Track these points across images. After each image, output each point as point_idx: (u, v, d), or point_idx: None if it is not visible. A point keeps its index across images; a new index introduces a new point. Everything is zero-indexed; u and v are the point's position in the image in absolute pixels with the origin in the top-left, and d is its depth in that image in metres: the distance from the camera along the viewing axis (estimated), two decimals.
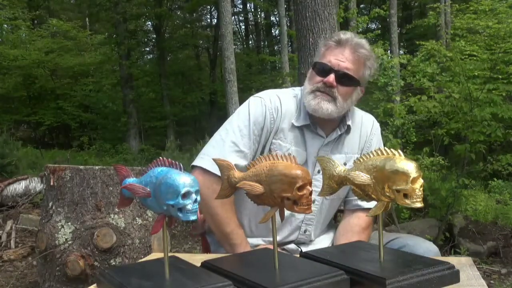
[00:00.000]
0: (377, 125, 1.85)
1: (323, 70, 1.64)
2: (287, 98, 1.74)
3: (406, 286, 1.04)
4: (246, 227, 1.75)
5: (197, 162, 1.69)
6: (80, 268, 2.81)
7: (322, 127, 1.71)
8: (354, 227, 1.73)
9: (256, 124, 1.68)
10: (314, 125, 1.70)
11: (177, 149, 9.85)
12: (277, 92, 1.77)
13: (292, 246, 1.75)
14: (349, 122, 1.73)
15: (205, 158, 1.67)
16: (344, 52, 1.64)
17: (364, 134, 1.79)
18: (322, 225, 1.80)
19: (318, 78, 1.65)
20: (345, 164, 1.70)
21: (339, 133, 1.73)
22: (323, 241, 1.80)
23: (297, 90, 1.79)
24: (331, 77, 1.62)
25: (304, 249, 1.73)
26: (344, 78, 1.63)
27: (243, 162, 1.63)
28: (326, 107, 1.63)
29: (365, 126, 1.81)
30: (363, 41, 1.68)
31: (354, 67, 1.64)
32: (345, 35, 1.66)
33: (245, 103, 1.74)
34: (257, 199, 1.13)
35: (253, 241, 1.73)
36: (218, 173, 1.61)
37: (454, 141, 5.54)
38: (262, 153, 1.70)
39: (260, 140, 1.69)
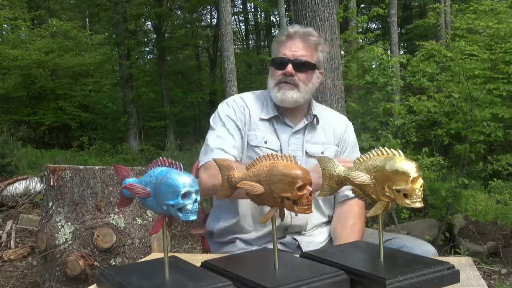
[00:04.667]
0: (350, 125, 1.95)
1: (281, 63, 1.77)
2: (250, 97, 1.88)
3: (406, 286, 1.04)
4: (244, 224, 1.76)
5: (201, 163, 1.76)
6: (80, 268, 2.81)
7: (290, 118, 1.82)
8: (347, 213, 1.78)
9: (230, 122, 1.79)
10: (282, 116, 1.81)
11: (177, 149, 9.86)
12: (238, 95, 1.92)
13: (288, 239, 1.75)
14: (315, 112, 1.84)
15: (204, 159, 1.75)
16: (295, 42, 1.77)
17: (338, 130, 1.88)
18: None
19: (279, 72, 1.78)
20: (322, 153, 1.80)
21: (306, 122, 1.83)
22: (319, 231, 1.80)
23: (258, 91, 1.94)
24: (289, 67, 1.75)
25: (300, 239, 1.74)
26: (301, 65, 1.76)
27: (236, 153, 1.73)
28: (291, 95, 1.75)
29: (338, 123, 1.91)
30: (310, 29, 1.83)
31: (308, 53, 1.77)
32: (293, 28, 1.80)
33: (214, 114, 1.86)
34: (257, 199, 1.13)
35: (247, 236, 1.74)
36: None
37: (454, 141, 5.54)
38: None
39: (240, 130, 1.78)
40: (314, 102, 1.89)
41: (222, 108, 1.84)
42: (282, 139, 1.78)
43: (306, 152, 1.78)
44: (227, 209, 1.80)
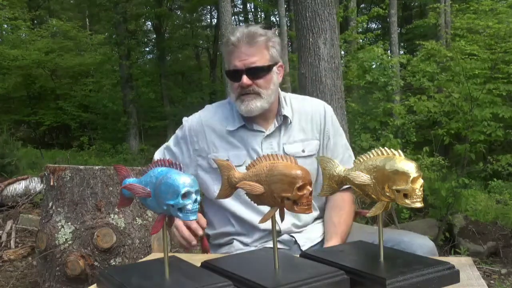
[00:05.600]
0: (329, 109, 1.86)
1: (234, 75, 1.70)
2: (212, 112, 1.83)
3: (406, 286, 1.04)
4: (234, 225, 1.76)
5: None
6: (80, 268, 2.81)
7: (259, 123, 1.76)
8: (341, 202, 1.75)
9: (176, 141, 1.85)
10: (250, 124, 1.75)
11: None
12: (200, 113, 1.86)
13: (285, 236, 1.74)
14: (284, 112, 1.76)
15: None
16: (242, 49, 1.68)
17: (317, 119, 1.80)
18: None
19: (235, 84, 1.71)
20: (303, 151, 1.75)
21: (277, 124, 1.76)
22: (316, 227, 1.79)
23: (225, 100, 1.87)
24: (244, 78, 1.67)
25: (297, 235, 1.73)
26: (255, 72, 1.68)
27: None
28: (255, 105, 1.69)
29: (315, 110, 1.82)
30: (253, 29, 1.71)
31: (258, 57, 1.69)
32: (235, 35, 1.70)
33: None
34: (257, 199, 1.13)
35: (243, 238, 1.74)
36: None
37: (454, 141, 5.55)
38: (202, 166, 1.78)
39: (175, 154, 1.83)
40: (283, 98, 1.81)
41: (178, 130, 1.86)
42: (253, 147, 1.73)
43: (286, 153, 1.71)
44: (214, 214, 1.81)
